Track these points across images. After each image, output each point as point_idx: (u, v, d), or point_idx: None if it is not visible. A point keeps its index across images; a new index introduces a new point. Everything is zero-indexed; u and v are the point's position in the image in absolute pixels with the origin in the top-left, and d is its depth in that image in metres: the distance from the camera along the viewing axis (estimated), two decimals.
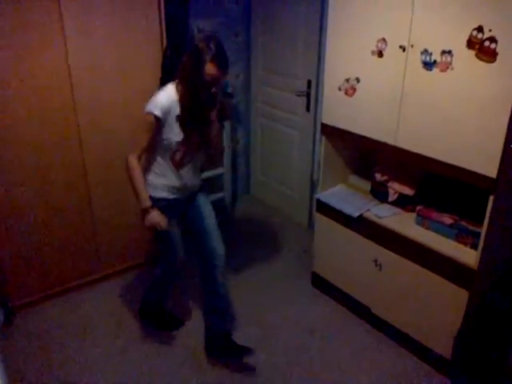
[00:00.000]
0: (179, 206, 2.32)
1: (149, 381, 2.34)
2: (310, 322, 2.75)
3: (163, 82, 2.80)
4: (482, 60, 1.81)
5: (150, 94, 2.77)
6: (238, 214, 4.00)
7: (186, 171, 2.24)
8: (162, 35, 2.79)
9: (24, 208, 2.63)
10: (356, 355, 2.52)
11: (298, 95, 3.47)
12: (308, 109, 3.46)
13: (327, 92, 2.59)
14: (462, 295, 2.15)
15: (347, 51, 2.39)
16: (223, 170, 3.74)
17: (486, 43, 1.78)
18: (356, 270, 2.69)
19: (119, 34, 2.63)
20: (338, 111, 2.55)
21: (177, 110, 2.07)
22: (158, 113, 2.03)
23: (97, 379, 2.35)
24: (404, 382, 2.35)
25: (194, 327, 2.67)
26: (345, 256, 2.75)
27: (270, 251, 3.45)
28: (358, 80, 2.37)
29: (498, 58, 1.76)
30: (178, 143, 2.12)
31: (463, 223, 2.25)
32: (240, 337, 2.56)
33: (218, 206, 3.18)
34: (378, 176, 2.66)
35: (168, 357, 2.49)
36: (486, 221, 1.99)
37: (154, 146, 2.14)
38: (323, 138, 2.72)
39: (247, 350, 2.39)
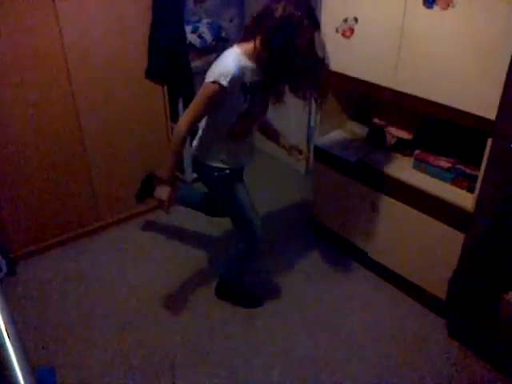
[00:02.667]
0: (235, 175, 2.18)
1: (147, 326, 2.41)
2: (307, 267, 2.80)
3: (154, 25, 2.73)
4: None
5: (141, 37, 2.72)
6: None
7: (244, 146, 2.11)
8: None
9: (20, 159, 2.60)
10: (353, 298, 2.58)
11: None
12: None
13: (324, 34, 2.50)
14: (458, 238, 2.17)
15: None
16: None
17: None
18: (353, 215, 2.71)
19: None
20: (334, 54, 2.47)
21: (247, 77, 1.87)
22: (225, 83, 1.80)
23: (98, 327, 2.41)
24: (400, 322, 2.42)
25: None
26: (342, 201, 2.76)
27: (267, 198, 3.46)
28: (356, 20, 2.29)
29: None
30: (240, 114, 1.95)
31: (460, 167, 2.24)
32: None
33: None
34: (375, 121, 2.62)
35: (168, 303, 2.55)
36: (484, 164, 1.98)
37: (210, 117, 1.99)
38: None
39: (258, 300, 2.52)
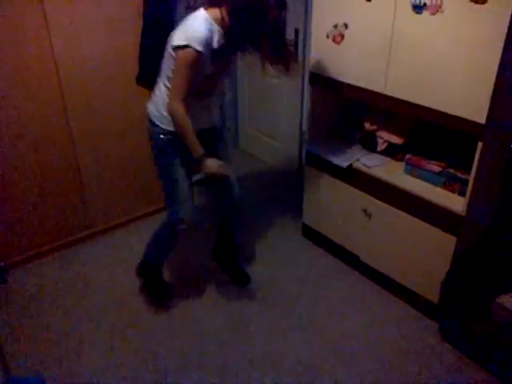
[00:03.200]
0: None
1: (142, 333, 2.39)
2: (300, 273, 2.80)
3: (145, 32, 2.73)
4: (472, 1, 1.75)
5: (133, 40, 2.72)
6: (228, 147, 3.95)
7: (206, 102, 2.16)
8: None
9: (10, 167, 2.58)
10: (346, 302, 2.58)
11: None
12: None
13: (315, 40, 2.52)
14: (450, 241, 2.18)
15: None
16: None
17: None
18: (345, 220, 2.72)
19: None
20: (325, 60, 2.49)
21: (214, 41, 1.89)
22: (200, 48, 1.82)
23: (91, 334, 2.38)
24: (393, 326, 2.42)
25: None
26: (334, 206, 2.76)
27: (260, 204, 3.46)
28: (346, 26, 2.30)
29: None
30: (208, 75, 1.99)
31: (451, 170, 2.26)
32: (232, 290, 2.63)
33: None
34: (367, 125, 2.63)
35: (161, 309, 2.53)
36: (474, 167, 1.99)
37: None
38: (311, 88, 2.67)
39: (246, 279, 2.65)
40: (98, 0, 2.55)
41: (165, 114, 2.04)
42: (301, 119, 3.57)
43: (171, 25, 2.84)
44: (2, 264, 2.73)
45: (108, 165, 2.97)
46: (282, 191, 3.66)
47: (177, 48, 1.86)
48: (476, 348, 2.22)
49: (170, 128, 2.06)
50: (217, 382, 2.13)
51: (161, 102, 2.07)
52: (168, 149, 2.12)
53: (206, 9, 1.91)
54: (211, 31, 1.87)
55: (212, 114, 2.28)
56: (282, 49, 1.98)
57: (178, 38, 1.86)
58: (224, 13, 1.87)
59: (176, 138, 2.06)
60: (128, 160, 3.04)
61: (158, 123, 2.10)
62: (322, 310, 2.53)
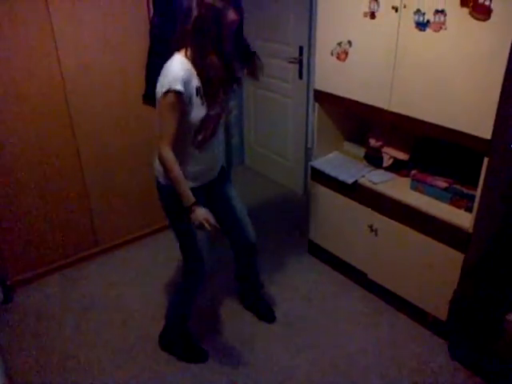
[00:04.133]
0: (202, 194, 2.02)
1: (148, 353, 2.37)
2: (307, 290, 2.78)
3: (152, 51, 2.76)
4: (475, 18, 1.77)
5: (139, 63, 2.75)
6: (233, 185, 3.97)
7: (210, 150, 2.01)
8: (148, 1, 2.70)
9: (17, 184, 2.60)
10: (353, 321, 2.55)
11: (291, 62, 3.41)
12: (301, 76, 3.40)
13: (319, 57, 2.54)
14: (458, 258, 2.16)
15: (339, 14, 2.33)
16: None
17: (481, 0, 1.73)
18: (352, 237, 2.70)
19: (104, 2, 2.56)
20: (330, 77, 2.51)
21: (195, 80, 1.79)
22: (179, 87, 1.73)
23: (97, 354, 2.37)
24: (401, 344, 2.38)
25: None
26: (340, 223, 2.75)
27: (265, 221, 3.45)
28: (350, 43, 2.32)
29: (493, 15, 1.71)
30: (201, 120, 1.85)
31: (458, 186, 2.24)
32: (237, 308, 2.62)
33: None
34: (372, 142, 2.63)
35: None
36: (481, 183, 1.98)
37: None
38: (316, 105, 2.68)
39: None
40: (105, 19, 2.59)
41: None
42: (306, 136, 3.58)
43: None
44: (8, 282, 2.73)
45: (115, 184, 2.99)
46: (288, 208, 3.66)
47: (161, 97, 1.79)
48: (486, 366, 2.18)
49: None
50: None
51: None
52: (177, 203, 1.92)
53: (178, 52, 1.83)
54: (187, 70, 1.78)
55: (218, 161, 2.17)
56: (249, 56, 1.97)
57: (159, 88, 1.78)
58: (189, 51, 1.80)
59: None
60: (134, 179, 3.05)
61: (163, 183, 1.99)
62: (329, 329, 2.50)
